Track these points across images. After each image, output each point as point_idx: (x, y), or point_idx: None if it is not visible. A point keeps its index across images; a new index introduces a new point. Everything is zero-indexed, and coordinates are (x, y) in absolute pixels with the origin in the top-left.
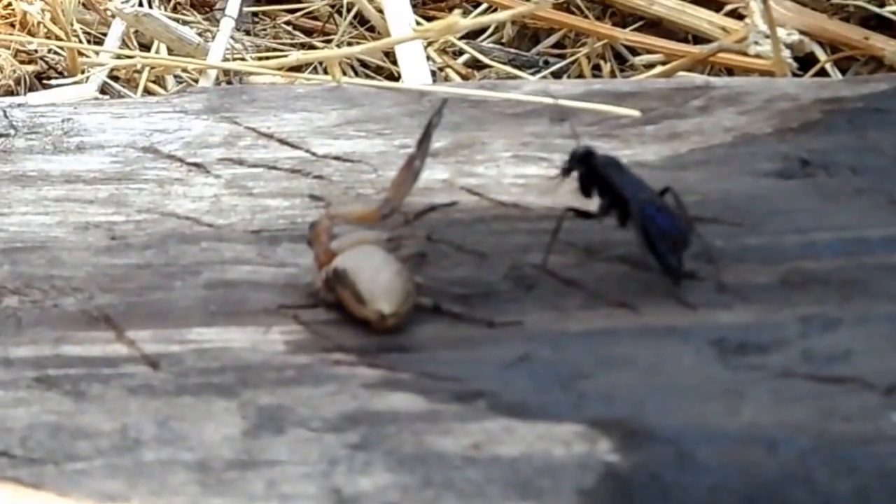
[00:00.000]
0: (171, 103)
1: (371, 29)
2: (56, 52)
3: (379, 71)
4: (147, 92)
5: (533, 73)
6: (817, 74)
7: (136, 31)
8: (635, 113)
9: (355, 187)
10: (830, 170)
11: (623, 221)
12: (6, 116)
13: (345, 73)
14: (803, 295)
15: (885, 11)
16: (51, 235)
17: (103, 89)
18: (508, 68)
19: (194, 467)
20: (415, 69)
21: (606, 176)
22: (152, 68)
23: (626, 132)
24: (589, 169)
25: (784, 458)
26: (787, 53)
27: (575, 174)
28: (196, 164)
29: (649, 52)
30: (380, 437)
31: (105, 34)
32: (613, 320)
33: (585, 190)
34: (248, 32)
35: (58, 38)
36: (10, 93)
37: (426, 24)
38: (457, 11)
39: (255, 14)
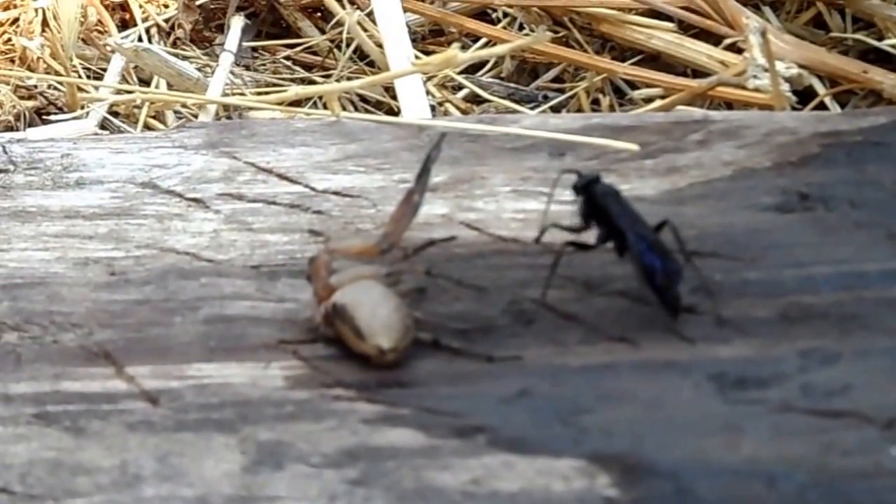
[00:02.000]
0: (170, 138)
1: (371, 64)
2: (56, 88)
3: (379, 106)
4: (147, 127)
5: (532, 108)
6: (816, 108)
7: (135, 67)
8: (634, 147)
9: (354, 222)
10: (829, 204)
11: (621, 253)
12: (5, 152)
13: (344, 108)
14: (802, 329)
15: (884, 45)
16: (50, 271)
17: (103, 125)
18: (508, 102)
19: (194, 503)
20: (414, 103)
21: (604, 206)
22: (152, 103)
23: (624, 166)
24: (589, 197)
25: (783, 493)
26: (785, 87)
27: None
28: (195, 200)
29: (648, 85)
30: (379, 473)
31: (104, 69)
32: (613, 355)
33: (585, 218)
34: (247, 67)
35: (57, 74)
36: (10, 128)
37: (425, 59)
38: (455, 45)
39: (254, 49)
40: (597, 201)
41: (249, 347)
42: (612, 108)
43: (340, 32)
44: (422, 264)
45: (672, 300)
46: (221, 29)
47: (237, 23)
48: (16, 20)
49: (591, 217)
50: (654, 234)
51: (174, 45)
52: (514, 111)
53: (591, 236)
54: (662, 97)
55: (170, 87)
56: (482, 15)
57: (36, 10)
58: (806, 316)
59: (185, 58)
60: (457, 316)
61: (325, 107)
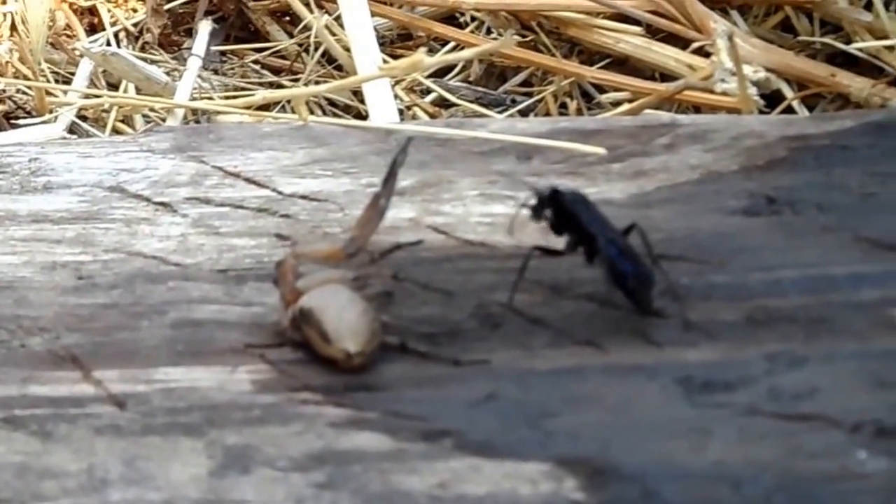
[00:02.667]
0: (137, 143)
1: (339, 68)
2: (24, 92)
3: (347, 110)
4: (115, 131)
5: (500, 112)
6: (784, 111)
7: (104, 71)
8: (601, 151)
9: (322, 226)
10: (796, 207)
11: (590, 258)
12: None
13: (312, 112)
14: (769, 332)
15: (852, 48)
16: (18, 275)
17: (71, 129)
18: (475, 106)
19: None
20: (382, 108)
21: (574, 213)
22: (120, 108)
23: (592, 170)
24: (557, 206)
25: (749, 496)
26: (753, 91)
27: (537, 210)
28: (163, 204)
29: (616, 89)
30: (346, 477)
31: (73, 74)
32: (580, 359)
33: (556, 228)
34: (215, 72)
35: (26, 78)
36: None
37: (392, 63)
38: (422, 49)
39: (222, 53)
40: (566, 208)
41: (216, 351)
42: (579, 112)
43: (308, 36)
44: (389, 268)
45: (644, 304)
46: (190, 33)
47: (205, 27)
48: None
49: (561, 225)
50: (625, 239)
51: (143, 49)
52: (482, 115)
53: (559, 241)
54: (630, 101)
55: (138, 91)
56: (450, 19)
57: (4, 15)
58: (773, 319)
59: (153, 62)
60: (424, 320)
61: (293, 111)
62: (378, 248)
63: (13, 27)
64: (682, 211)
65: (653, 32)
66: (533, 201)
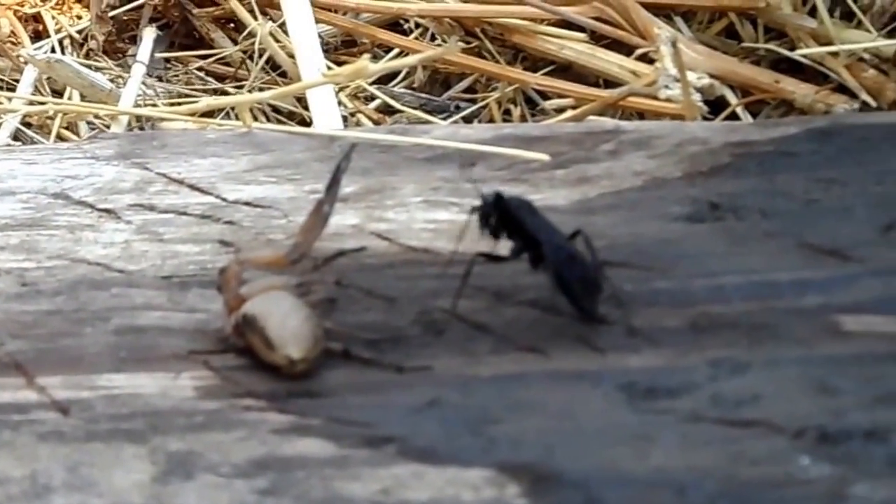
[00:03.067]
0: (82, 149)
1: (283, 74)
2: None
3: (291, 116)
4: (60, 138)
5: (444, 118)
6: (728, 118)
7: (48, 78)
8: (544, 157)
9: (266, 233)
10: (740, 213)
11: (535, 265)
12: None
13: (257, 119)
14: (712, 338)
15: (796, 55)
16: None
17: (16, 136)
18: (420, 113)
19: None
20: (326, 114)
21: (519, 218)
22: (65, 115)
23: (535, 176)
24: (502, 212)
25: (692, 502)
26: (697, 97)
27: (483, 216)
28: (107, 210)
29: (560, 96)
30: (289, 483)
31: (17, 80)
32: (523, 365)
33: (498, 234)
34: (160, 78)
35: None
36: None
37: (336, 69)
38: (366, 56)
39: (167, 60)
40: (511, 214)
41: (160, 358)
42: (523, 119)
43: (253, 43)
44: (332, 275)
45: (588, 311)
46: (134, 40)
47: (149, 34)
48: None
49: (507, 231)
50: (572, 245)
51: (87, 56)
52: (426, 122)
53: (503, 247)
54: (574, 107)
55: (83, 98)
56: (394, 25)
57: None
58: (716, 325)
59: (97, 69)
60: (367, 326)
61: (237, 117)
62: (321, 254)
63: None
64: (626, 217)
65: (597, 39)
66: (479, 207)
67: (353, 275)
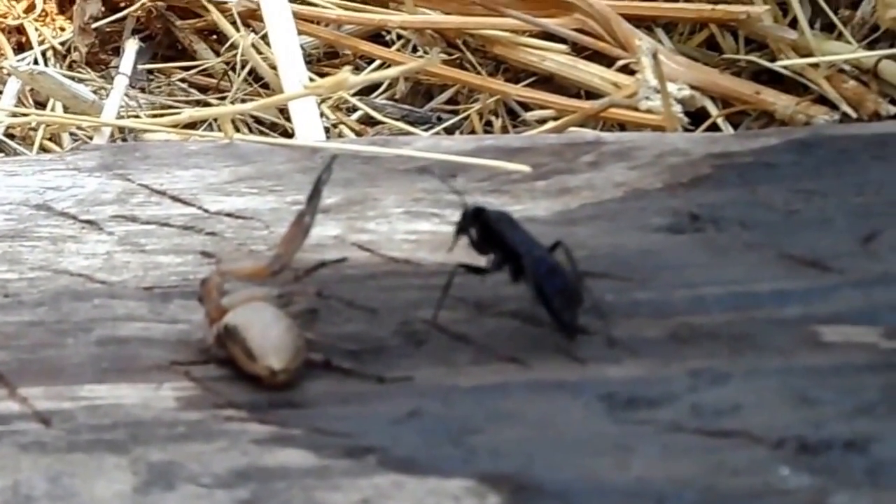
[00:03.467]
0: (64, 161)
1: (266, 86)
2: None
3: (274, 128)
4: (43, 149)
5: (426, 129)
6: (709, 129)
7: (31, 89)
8: (525, 168)
9: (247, 244)
10: (720, 224)
11: (516, 277)
12: None
13: (239, 131)
14: (693, 349)
15: (776, 66)
16: None
17: None
18: (402, 124)
19: None
20: (308, 126)
21: (499, 231)
22: (48, 126)
23: (516, 187)
24: (482, 225)
25: None
26: (678, 108)
27: (466, 230)
28: (89, 222)
29: (541, 107)
30: (270, 493)
31: (0, 92)
32: (503, 375)
33: (480, 247)
34: (142, 90)
35: None
36: None
37: (318, 81)
38: (347, 68)
39: (150, 72)
40: (491, 227)
41: (142, 368)
42: (504, 130)
43: (235, 55)
44: (313, 286)
45: (568, 322)
46: (117, 52)
47: (132, 46)
48: None
49: (487, 243)
50: (552, 257)
51: (70, 67)
52: (408, 133)
53: (483, 259)
54: (555, 119)
55: (66, 109)
56: (377, 37)
57: None
58: (696, 336)
59: (80, 80)
60: (348, 337)
61: (219, 129)
62: (302, 265)
63: None
64: (607, 228)
65: (578, 50)
66: (460, 221)
67: (334, 285)
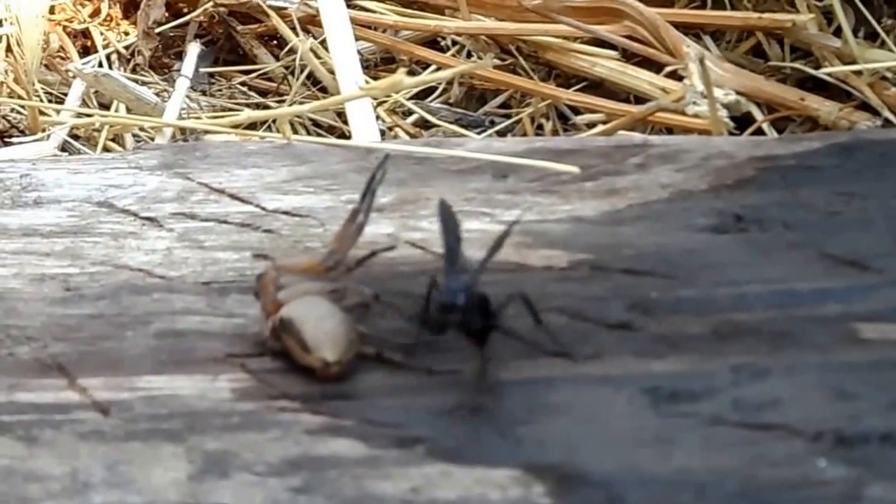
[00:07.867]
0: (126, 160)
1: (323, 90)
2: (18, 112)
3: (331, 130)
4: (106, 150)
5: (479, 133)
6: (754, 134)
7: (95, 91)
8: (575, 169)
9: (303, 241)
10: (763, 225)
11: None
12: None
13: (297, 132)
14: (734, 345)
15: (821, 73)
16: (7, 287)
17: (63, 147)
18: (455, 127)
19: None
20: (364, 128)
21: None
22: (111, 127)
23: (566, 188)
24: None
25: (712, 502)
26: (724, 113)
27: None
28: (149, 219)
29: (591, 111)
30: (321, 482)
31: (66, 94)
32: (550, 369)
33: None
34: (203, 93)
35: (20, 98)
36: None
37: (373, 83)
38: (402, 70)
39: (211, 75)
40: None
41: (198, 361)
42: (555, 133)
43: (294, 59)
44: (370, 288)
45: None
46: (180, 56)
47: (194, 49)
48: None
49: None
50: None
51: (133, 70)
52: (461, 135)
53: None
54: (604, 122)
55: (128, 110)
56: (432, 43)
57: (0, 37)
58: (738, 332)
59: (143, 83)
60: (399, 331)
61: (277, 131)
62: (354, 257)
63: (8, 49)
64: (653, 228)
65: (628, 57)
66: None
67: (387, 281)
